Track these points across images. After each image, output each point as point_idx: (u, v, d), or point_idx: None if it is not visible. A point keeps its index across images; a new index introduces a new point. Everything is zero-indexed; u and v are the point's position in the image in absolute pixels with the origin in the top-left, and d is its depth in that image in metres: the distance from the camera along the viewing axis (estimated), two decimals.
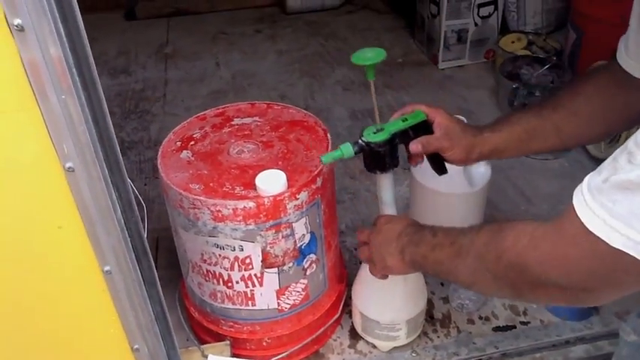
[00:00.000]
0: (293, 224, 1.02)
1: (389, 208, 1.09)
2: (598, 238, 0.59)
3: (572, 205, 0.63)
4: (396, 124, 1.01)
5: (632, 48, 0.86)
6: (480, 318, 1.32)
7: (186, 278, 1.18)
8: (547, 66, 1.94)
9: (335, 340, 1.27)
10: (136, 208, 0.79)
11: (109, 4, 2.91)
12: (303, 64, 2.42)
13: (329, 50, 2.50)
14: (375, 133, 1.00)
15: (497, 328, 1.29)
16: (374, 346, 1.24)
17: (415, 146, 1.01)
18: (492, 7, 2.25)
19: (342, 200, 1.67)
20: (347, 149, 1.01)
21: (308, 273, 1.11)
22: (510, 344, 1.25)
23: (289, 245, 1.04)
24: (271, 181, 0.98)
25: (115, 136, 0.71)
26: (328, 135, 1.12)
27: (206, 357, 1.11)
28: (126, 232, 0.78)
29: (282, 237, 1.02)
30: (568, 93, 0.99)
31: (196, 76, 2.38)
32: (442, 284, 1.38)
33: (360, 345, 1.26)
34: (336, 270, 1.23)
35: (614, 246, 0.58)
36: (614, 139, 1.63)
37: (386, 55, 0.94)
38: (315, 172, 1.02)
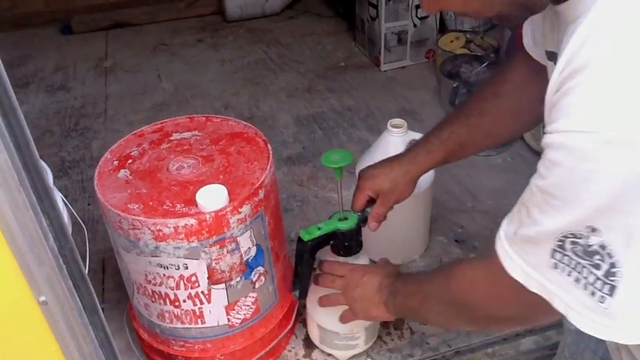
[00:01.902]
0: (237, 238, 1.01)
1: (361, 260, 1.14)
2: (518, 282, 0.66)
3: (496, 249, 0.70)
4: (331, 224, 1.08)
5: (538, 39, 0.88)
6: None
7: (133, 300, 1.15)
8: (485, 63, 1.98)
9: (290, 351, 1.26)
10: (70, 233, 0.77)
11: (44, 19, 2.83)
12: (247, 72, 2.40)
13: (272, 57, 2.49)
14: (339, 220, 1.09)
15: None
16: (329, 355, 1.24)
17: (374, 225, 1.10)
18: None
19: (290, 208, 1.67)
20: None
21: (257, 286, 1.10)
22: (463, 341, 1.27)
23: (235, 260, 1.03)
24: (212, 197, 0.97)
25: (39, 159, 0.68)
26: (269, 146, 1.11)
27: None
28: (60, 260, 0.75)
29: (227, 252, 1.01)
30: (491, 95, 1.01)
31: (138, 90, 2.34)
32: None
33: (316, 354, 1.25)
34: (286, 280, 1.22)
35: (531, 290, 0.65)
36: None
37: (353, 159, 1.06)
38: (257, 185, 1.01)
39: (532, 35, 0.89)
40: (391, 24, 2.26)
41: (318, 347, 1.25)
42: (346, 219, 1.08)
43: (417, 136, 1.32)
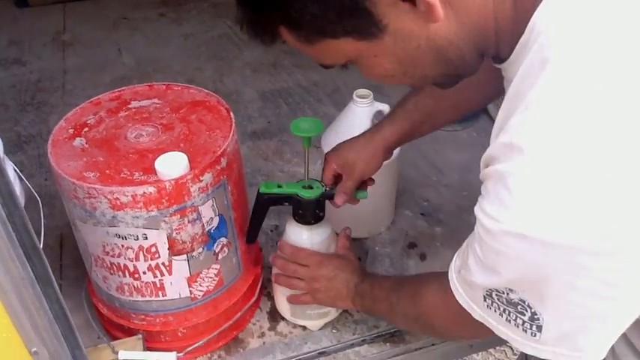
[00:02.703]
0: (199, 207, 0.98)
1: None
2: (465, 310, 0.77)
3: (448, 278, 0.80)
4: (293, 187, 1.08)
5: None
6: None
7: (91, 273, 1.12)
8: None
9: (254, 324, 1.24)
10: (20, 201, 0.73)
11: None
12: (210, 47, 2.35)
13: (236, 32, 2.43)
14: (303, 187, 1.07)
15: None
16: (294, 326, 1.23)
17: (341, 200, 1.09)
18: None
19: (255, 182, 1.63)
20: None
21: (220, 257, 1.08)
22: None
23: (197, 230, 1.00)
24: (172, 164, 0.94)
25: None
26: (231, 114, 1.08)
27: (117, 353, 1.05)
28: (9, 227, 0.72)
29: (189, 222, 0.98)
30: None
31: (97, 64, 2.26)
32: (360, 258, 1.38)
33: (281, 326, 1.24)
34: (251, 253, 1.20)
35: (475, 318, 0.76)
36: None
37: (323, 129, 1.04)
38: (219, 152, 0.98)
39: None
40: None
41: (285, 320, 1.23)
42: (311, 188, 1.07)
43: (383, 107, 1.30)
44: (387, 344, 1.20)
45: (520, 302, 0.67)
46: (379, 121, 1.16)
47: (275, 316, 1.25)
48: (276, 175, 1.67)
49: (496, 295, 0.70)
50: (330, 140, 1.26)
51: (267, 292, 1.29)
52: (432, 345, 1.22)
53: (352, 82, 2.15)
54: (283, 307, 1.21)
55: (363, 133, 1.13)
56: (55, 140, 1.02)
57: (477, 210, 0.68)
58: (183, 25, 2.53)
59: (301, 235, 1.11)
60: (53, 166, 0.96)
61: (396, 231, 1.48)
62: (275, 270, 1.16)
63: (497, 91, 1.02)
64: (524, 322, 0.69)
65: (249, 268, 1.19)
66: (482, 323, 0.76)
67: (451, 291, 0.79)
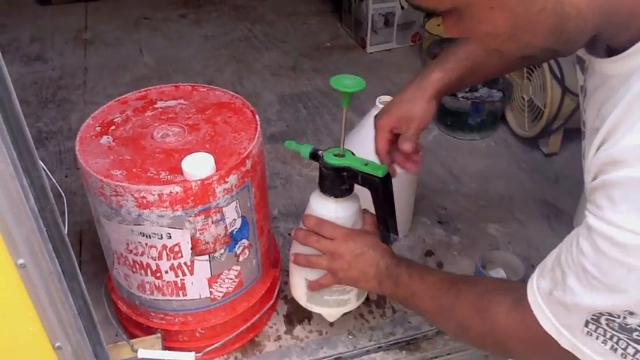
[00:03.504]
0: (223, 209, 0.98)
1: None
2: (551, 336, 0.68)
3: (528, 299, 0.71)
4: (357, 160, 0.98)
5: None
6: None
7: (112, 271, 1.12)
8: None
9: (271, 327, 1.25)
10: (51, 195, 0.74)
11: None
12: (230, 50, 2.36)
13: (256, 35, 2.45)
14: (335, 155, 0.97)
15: None
16: (311, 331, 1.23)
17: (408, 145, 1.01)
18: None
19: (274, 186, 1.64)
20: (306, 149, 1.01)
21: (241, 259, 1.08)
22: None
23: (220, 231, 1.00)
24: (198, 165, 0.94)
25: (21, 114, 0.65)
26: (257, 116, 1.09)
27: (136, 351, 1.06)
28: (40, 222, 0.72)
29: (212, 222, 0.98)
30: None
31: (118, 63, 2.28)
32: None
33: (297, 330, 1.24)
34: (270, 255, 1.21)
35: (562, 346, 0.67)
36: (537, 117, 1.68)
37: (366, 86, 0.91)
38: (244, 155, 0.99)
39: None
40: (378, 5, 2.23)
41: (300, 324, 1.23)
42: (343, 157, 0.98)
43: None
44: (403, 352, 1.20)
45: (638, 328, 0.60)
46: (424, 67, 1.08)
47: (291, 319, 1.26)
48: (294, 179, 1.68)
49: (606, 319, 0.62)
50: (353, 146, 1.26)
51: (284, 296, 1.29)
52: (448, 355, 1.22)
53: (370, 88, 2.14)
54: (299, 291, 1.10)
55: (409, 84, 1.05)
56: (82, 137, 1.03)
57: (595, 222, 0.60)
58: (203, 27, 2.54)
59: (327, 208, 1.00)
60: (81, 163, 0.97)
61: (414, 238, 1.48)
62: (294, 248, 1.06)
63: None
64: (636, 352, 0.61)
65: (267, 270, 1.20)
66: (568, 351, 0.67)
67: (531, 312, 0.70)
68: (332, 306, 1.09)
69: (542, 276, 0.70)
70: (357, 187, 1.01)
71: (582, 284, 0.62)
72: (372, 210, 1.04)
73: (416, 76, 1.05)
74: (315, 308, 1.11)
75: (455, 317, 0.87)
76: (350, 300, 1.09)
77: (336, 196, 1.00)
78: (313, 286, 1.05)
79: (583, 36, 0.63)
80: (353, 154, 0.98)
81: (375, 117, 1.06)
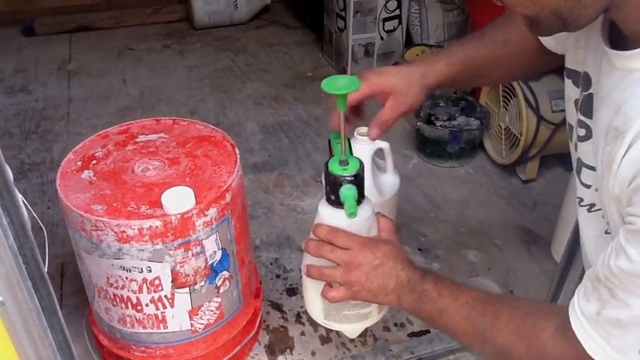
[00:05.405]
0: (203, 241, 1.00)
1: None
2: None
3: (572, 327, 0.67)
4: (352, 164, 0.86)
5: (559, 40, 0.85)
6: (395, 325, 1.34)
7: (93, 304, 1.13)
8: None
9: (252, 358, 1.25)
10: (31, 232, 0.75)
11: (4, 20, 2.77)
12: (213, 80, 2.39)
13: (239, 65, 2.48)
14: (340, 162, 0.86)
15: (412, 334, 1.32)
16: None
17: (375, 132, 0.93)
18: (397, 21, 2.32)
19: (256, 215, 1.66)
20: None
21: (221, 291, 1.09)
22: (425, 349, 1.28)
23: (200, 263, 1.02)
24: (178, 199, 0.96)
25: (0, 153, 0.66)
26: (236, 150, 1.11)
27: None
28: (20, 259, 0.73)
29: (192, 255, 0.99)
30: (517, 29, 0.92)
31: (102, 94, 2.30)
32: None
33: None
34: (251, 286, 1.22)
35: None
36: (514, 144, 1.72)
37: (359, 86, 0.81)
38: (224, 188, 1.00)
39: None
40: (359, 36, 2.28)
41: (282, 353, 1.24)
42: (347, 164, 0.85)
43: (384, 144, 1.33)
44: None
45: None
46: (432, 55, 1.01)
47: (273, 349, 1.26)
48: (276, 208, 1.69)
49: None
50: None
51: (266, 325, 1.30)
52: None
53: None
54: (315, 307, 0.97)
55: (413, 63, 0.98)
56: (63, 172, 1.05)
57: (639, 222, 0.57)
58: (187, 57, 2.57)
59: (338, 216, 0.87)
60: (61, 198, 0.98)
61: None
62: (306, 260, 0.93)
63: (534, 71, 0.99)
64: None
65: (249, 301, 1.21)
66: None
67: (577, 340, 0.67)
68: (353, 321, 0.97)
69: (584, 300, 0.66)
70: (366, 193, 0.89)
71: (634, 294, 0.59)
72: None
73: (423, 61, 0.98)
74: (334, 325, 0.99)
75: (493, 342, 0.79)
76: (371, 313, 0.96)
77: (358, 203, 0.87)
78: (324, 294, 0.91)
79: (593, 6, 0.62)
80: (358, 159, 0.87)
81: (366, 71, 0.96)
